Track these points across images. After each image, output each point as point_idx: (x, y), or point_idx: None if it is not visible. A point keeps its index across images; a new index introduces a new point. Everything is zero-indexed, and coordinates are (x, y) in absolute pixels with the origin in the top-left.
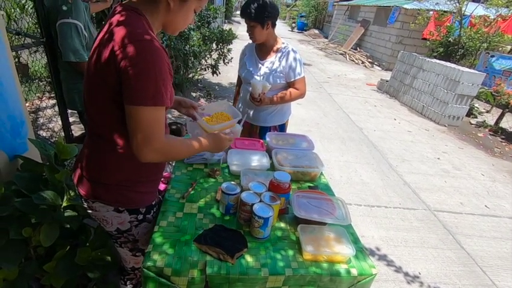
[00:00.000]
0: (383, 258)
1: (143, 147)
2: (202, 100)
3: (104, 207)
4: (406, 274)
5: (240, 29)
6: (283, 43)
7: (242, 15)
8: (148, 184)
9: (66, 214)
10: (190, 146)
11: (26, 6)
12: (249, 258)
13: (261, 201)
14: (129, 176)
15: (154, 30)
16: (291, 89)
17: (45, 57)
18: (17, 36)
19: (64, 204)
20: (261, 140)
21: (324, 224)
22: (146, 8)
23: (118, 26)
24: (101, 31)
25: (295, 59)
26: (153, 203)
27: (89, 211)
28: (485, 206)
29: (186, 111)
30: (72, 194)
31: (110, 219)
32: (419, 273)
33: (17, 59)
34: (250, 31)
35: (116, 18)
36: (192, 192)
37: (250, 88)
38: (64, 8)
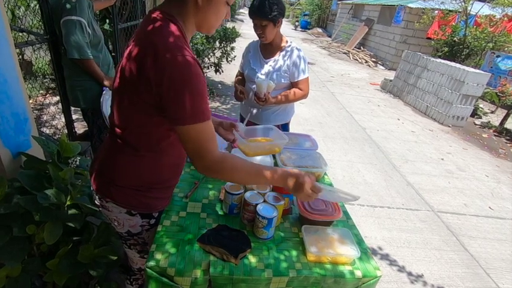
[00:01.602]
0: (385, 259)
1: (195, 163)
2: None
3: (117, 208)
4: (409, 275)
5: (243, 27)
6: (288, 41)
7: (252, 14)
8: (162, 190)
9: (70, 212)
10: (257, 173)
11: (30, 4)
12: (252, 259)
13: (264, 201)
14: (144, 181)
15: (187, 34)
16: (294, 89)
17: (49, 54)
18: (21, 34)
19: (68, 202)
20: None
21: (329, 224)
22: (176, 11)
23: (150, 37)
24: (132, 38)
25: (300, 58)
26: (166, 208)
27: (102, 209)
28: (489, 207)
29: (225, 133)
30: (75, 192)
31: (121, 221)
32: (422, 275)
33: (20, 56)
34: (262, 30)
35: (148, 26)
36: (195, 191)
37: (254, 87)
38: (68, 6)
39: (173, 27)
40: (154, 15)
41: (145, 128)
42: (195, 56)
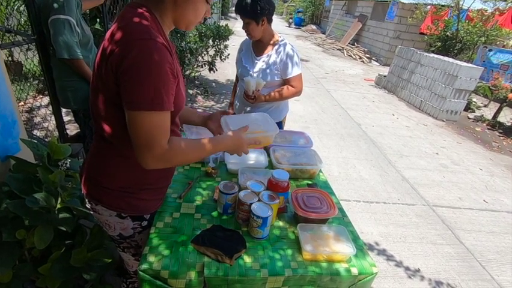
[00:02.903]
0: (382, 254)
1: (144, 154)
2: (200, 98)
3: (107, 211)
4: (405, 270)
5: (237, 25)
6: (279, 38)
7: (237, 11)
8: (152, 192)
9: (60, 216)
10: (202, 148)
11: (16, 4)
12: (247, 259)
13: (259, 200)
14: (132, 182)
15: (164, 28)
16: (287, 86)
17: (38, 55)
18: (7, 34)
19: (58, 206)
20: None
21: (324, 222)
22: (153, 6)
23: (120, 26)
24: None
25: (291, 55)
26: (159, 209)
27: (92, 213)
28: (484, 200)
29: (215, 127)
30: (66, 195)
31: (112, 224)
32: (419, 269)
33: (10, 58)
34: (246, 28)
35: (121, 17)
36: (189, 192)
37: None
38: (55, 5)
39: (144, 16)
40: (128, 7)
41: (122, 125)
42: (170, 44)
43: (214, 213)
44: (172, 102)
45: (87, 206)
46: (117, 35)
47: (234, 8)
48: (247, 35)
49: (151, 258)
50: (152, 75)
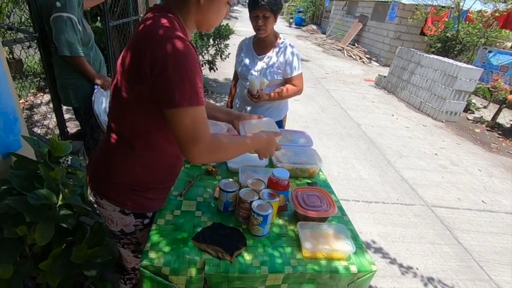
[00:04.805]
0: (380, 253)
1: (190, 149)
2: None
3: (111, 206)
4: (404, 269)
5: (237, 24)
6: (281, 38)
7: (255, 5)
8: (158, 191)
9: (61, 213)
10: (241, 144)
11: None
12: (247, 256)
13: (259, 198)
14: (139, 180)
15: (187, 30)
16: (288, 85)
17: (39, 52)
18: (9, 31)
19: (59, 203)
20: None
21: (324, 220)
22: (177, 8)
23: (147, 28)
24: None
25: (292, 54)
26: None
27: (96, 206)
28: (482, 201)
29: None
30: (67, 192)
31: (115, 219)
32: (417, 269)
33: (10, 55)
34: (263, 22)
35: (146, 20)
36: (190, 189)
37: (248, 84)
38: (58, 4)
39: (169, 18)
40: (152, 11)
41: (142, 125)
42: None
43: (215, 211)
44: (203, 96)
45: (92, 199)
46: (143, 37)
47: (235, 8)
48: (262, 29)
49: (152, 255)
50: (187, 72)
